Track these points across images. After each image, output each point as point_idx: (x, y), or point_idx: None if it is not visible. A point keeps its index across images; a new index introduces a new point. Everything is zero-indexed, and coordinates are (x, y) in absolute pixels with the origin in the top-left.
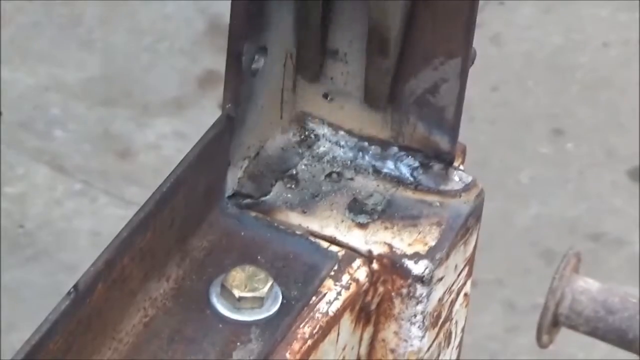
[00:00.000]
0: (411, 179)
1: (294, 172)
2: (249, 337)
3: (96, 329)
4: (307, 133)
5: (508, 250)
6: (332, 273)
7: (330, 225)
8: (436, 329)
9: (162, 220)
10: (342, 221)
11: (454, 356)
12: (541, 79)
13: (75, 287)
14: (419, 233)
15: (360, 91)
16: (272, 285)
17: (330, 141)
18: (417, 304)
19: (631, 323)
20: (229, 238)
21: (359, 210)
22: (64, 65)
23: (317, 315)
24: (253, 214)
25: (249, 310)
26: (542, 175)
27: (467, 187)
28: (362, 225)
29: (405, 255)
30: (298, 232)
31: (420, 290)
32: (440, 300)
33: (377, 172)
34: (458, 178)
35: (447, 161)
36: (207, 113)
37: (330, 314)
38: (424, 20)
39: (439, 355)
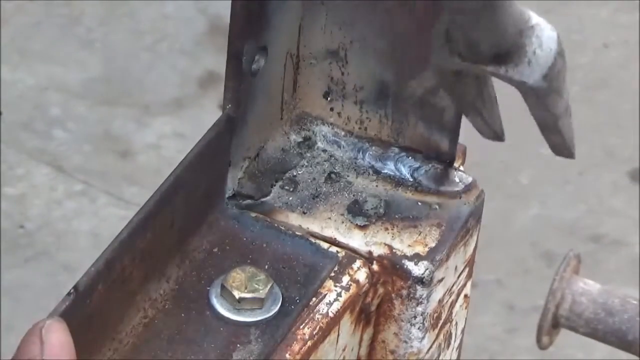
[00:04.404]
0: (411, 179)
1: (294, 173)
2: (249, 338)
3: (96, 330)
4: (307, 133)
5: (508, 251)
6: (332, 274)
7: (331, 226)
8: (436, 330)
9: (162, 220)
10: (342, 222)
11: (454, 357)
12: None
13: (75, 287)
14: (419, 234)
15: (360, 91)
16: (272, 286)
17: (330, 142)
18: (417, 305)
19: (631, 325)
20: (229, 239)
21: (359, 212)
22: (64, 65)
23: (317, 316)
24: (253, 214)
25: (249, 311)
26: (542, 176)
27: (467, 188)
28: (362, 227)
29: (405, 257)
30: (298, 233)
31: (421, 291)
32: (441, 301)
33: (377, 172)
34: (458, 179)
35: (447, 162)
36: (207, 113)
37: (331, 315)
38: (424, 20)
39: (439, 356)
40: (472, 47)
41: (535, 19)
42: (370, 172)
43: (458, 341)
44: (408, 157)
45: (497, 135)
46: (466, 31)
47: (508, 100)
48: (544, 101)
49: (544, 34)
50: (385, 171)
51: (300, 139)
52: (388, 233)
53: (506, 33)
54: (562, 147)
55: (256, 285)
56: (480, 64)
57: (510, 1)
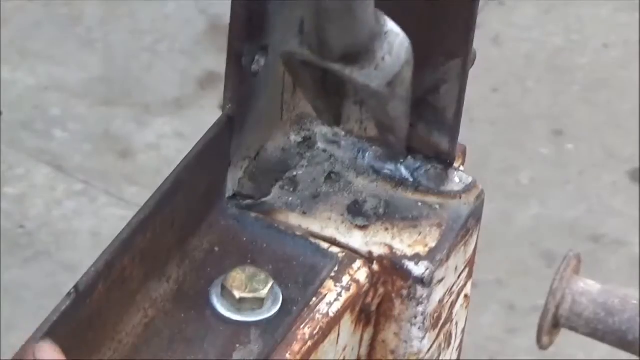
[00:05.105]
0: (411, 180)
1: (294, 173)
2: (249, 338)
3: (96, 330)
4: (307, 134)
5: (508, 251)
6: (333, 274)
7: (331, 226)
8: (436, 330)
9: (162, 220)
10: (342, 222)
11: (454, 357)
12: (541, 79)
13: (75, 287)
14: (419, 234)
15: (360, 91)
16: (272, 286)
17: (330, 142)
18: (418, 305)
19: (631, 324)
20: (229, 239)
21: (359, 213)
22: (64, 65)
23: (318, 316)
24: (253, 214)
25: (249, 311)
26: (542, 176)
27: (467, 188)
28: (362, 227)
29: (405, 257)
30: (298, 233)
31: (421, 291)
32: (441, 301)
33: (376, 173)
34: (458, 179)
35: (447, 162)
36: (207, 113)
37: (331, 315)
38: (424, 20)
39: (439, 356)
40: (323, 44)
41: (390, 25)
42: (370, 172)
43: (458, 341)
44: (408, 158)
45: (334, 120)
46: (320, 29)
47: (507, 101)
48: (384, 106)
49: (396, 41)
50: (385, 171)
51: (300, 139)
52: (388, 233)
53: (358, 36)
54: (394, 145)
55: (256, 285)
56: (328, 61)
57: (369, 2)
